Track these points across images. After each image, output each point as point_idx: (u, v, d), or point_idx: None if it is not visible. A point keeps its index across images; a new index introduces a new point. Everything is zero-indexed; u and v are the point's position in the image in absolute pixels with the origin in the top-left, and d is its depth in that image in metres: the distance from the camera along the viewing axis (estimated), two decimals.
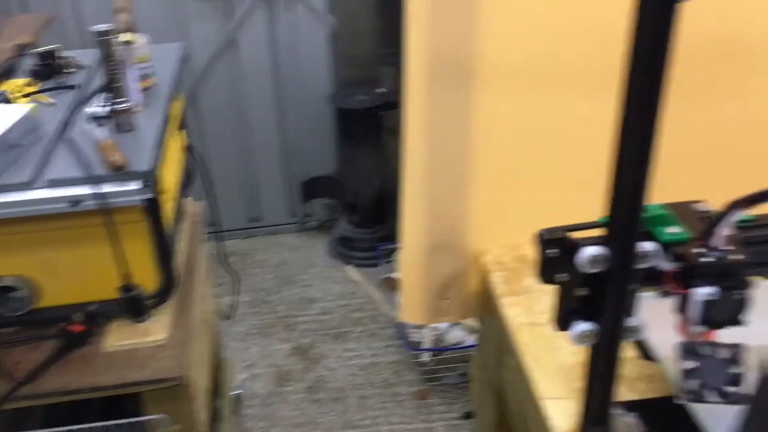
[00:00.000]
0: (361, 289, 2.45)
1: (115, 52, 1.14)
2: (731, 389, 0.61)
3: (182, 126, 1.58)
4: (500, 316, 0.95)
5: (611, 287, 0.61)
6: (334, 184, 2.71)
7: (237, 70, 2.50)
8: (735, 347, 0.63)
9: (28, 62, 1.44)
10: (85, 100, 1.26)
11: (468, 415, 1.94)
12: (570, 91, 0.95)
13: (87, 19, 2.31)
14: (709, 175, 0.93)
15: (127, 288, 1.12)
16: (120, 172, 1.05)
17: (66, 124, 1.21)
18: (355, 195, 2.60)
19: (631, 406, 0.75)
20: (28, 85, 1.35)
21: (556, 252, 0.63)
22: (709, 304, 0.60)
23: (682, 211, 0.65)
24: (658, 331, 0.70)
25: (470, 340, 1.98)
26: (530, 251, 1.02)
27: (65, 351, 1.11)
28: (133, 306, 1.14)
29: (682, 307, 0.62)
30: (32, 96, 1.32)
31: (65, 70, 1.43)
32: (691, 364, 0.63)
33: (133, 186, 1.05)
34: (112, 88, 1.17)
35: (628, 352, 0.78)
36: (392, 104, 2.44)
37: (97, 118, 1.18)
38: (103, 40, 1.12)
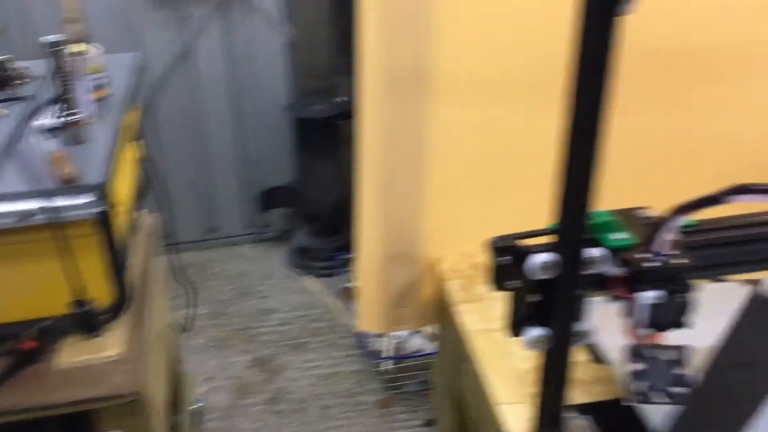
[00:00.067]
0: (319, 299, 2.45)
1: (66, 63, 1.12)
2: (677, 390, 0.63)
3: (138, 137, 1.56)
4: (456, 324, 0.96)
5: (561, 293, 0.62)
6: (292, 194, 2.70)
7: (194, 80, 2.48)
8: (680, 349, 0.65)
9: None
10: (36, 112, 1.24)
11: (430, 423, 1.95)
12: (520, 102, 0.97)
13: (39, 30, 2.27)
14: (655, 181, 0.95)
15: (79, 303, 1.10)
16: (71, 185, 1.04)
17: (15, 137, 1.19)
18: (314, 204, 2.60)
19: (583, 408, 0.76)
20: None
21: (507, 259, 0.64)
22: (654, 308, 0.62)
23: (628, 217, 0.67)
24: (607, 335, 0.72)
25: (430, 347, 1.99)
26: (485, 258, 1.03)
27: (16, 369, 1.08)
28: (87, 321, 1.12)
29: (630, 311, 0.64)
30: None
31: (17, 81, 1.40)
32: (638, 367, 0.65)
33: (85, 199, 1.04)
34: (63, 99, 1.15)
35: (579, 356, 0.80)
36: (350, 113, 2.43)
37: (48, 130, 1.16)
38: (54, 51, 1.10)
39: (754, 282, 0.92)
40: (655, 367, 0.64)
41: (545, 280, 0.62)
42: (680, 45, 0.94)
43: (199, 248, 2.71)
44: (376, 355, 2.08)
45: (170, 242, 1.71)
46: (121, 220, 1.22)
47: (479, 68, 0.95)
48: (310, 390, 2.08)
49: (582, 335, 0.65)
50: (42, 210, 1.02)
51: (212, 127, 2.57)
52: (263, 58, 2.52)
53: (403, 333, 2.01)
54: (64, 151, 1.10)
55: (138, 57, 1.57)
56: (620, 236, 0.65)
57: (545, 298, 0.64)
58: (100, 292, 1.12)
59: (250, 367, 2.17)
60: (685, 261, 0.62)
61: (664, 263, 0.61)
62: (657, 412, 0.69)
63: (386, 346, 2.04)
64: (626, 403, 0.67)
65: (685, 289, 0.62)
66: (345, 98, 2.48)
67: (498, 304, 0.92)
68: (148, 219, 1.57)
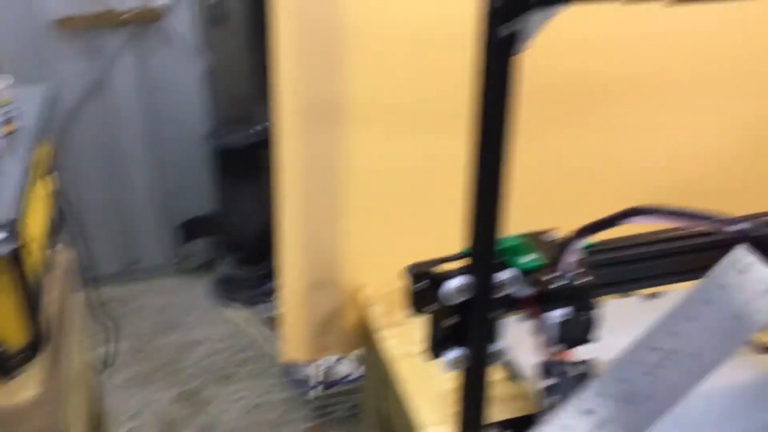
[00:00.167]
0: (245, 329, 2.42)
1: None
2: None
3: (51, 170, 1.52)
4: (380, 349, 0.98)
5: (475, 315, 0.65)
6: (214, 224, 2.67)
7: (108, 110, 2.44)
8: (588, 363, 0.69)
9: None
10: None
11: None
12: (435, 130, 1.00)
13: None
14: (562, 203, 1.00)
15: None
16: None
17: None
18: (237, 233, 2.58)
19: (503, 425, 0.79)
20: None
21: (423, 285, 0.67)
22: (563, 325, 0.65)
23: (535, 239, 0.71)
24: (521, 353, 0.75)
25: (358, 372, 2.00)
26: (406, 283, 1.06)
27: None
28: (0, 364, 1.08)
29: (540, 329, 0.67)
30: None
31: None
32: (549, 382, 0.68)
33: None
34: None
35: (496, 374, 0.83)
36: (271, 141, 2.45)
37: None
38: None
39: (654, 296, 0.98)
40: (565, 381, 0.67)
41: (461, 302, 0.65)
42: (580, 74, 0.99)
43: (120, 282, 2.64)
44: (304, 382, 2.07)
45: (88, 277, 1.67)
46: (34, 257, 1.18)
47: (394, 98, 0.98)
48: (239, 421, 2.05)
49: (497, 354, 0.68)
50: None
51: (129, 158, 2.52)
52: (180, 86, 2.49)
53: (331, 359, 2.02)
54: None
55: (49, 88, 1.53)
56: (529, 258, 0.68)
57: (461, 320, 0.67)
58: (13, 333, 1.08)
59: (175, 401, 2.12)
60: (589, 279, 0.65)
61: (570, 282, 0.65)
62: None
63: (314, 373, 2.04)
64: (541, 417, 0.70)
65: (590, 306, 0.66)
66: (265, 126, 2.48)
67: (419, 327, 0.95)
68: (64, 255, 1.52)
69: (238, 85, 2.55)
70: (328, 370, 2.03)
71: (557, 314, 0.65)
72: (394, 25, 0.94)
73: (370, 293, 1.07)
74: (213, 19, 2.45)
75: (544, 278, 0.66)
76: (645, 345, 0.53)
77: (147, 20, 2.36)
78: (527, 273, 0.68)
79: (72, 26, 2.29)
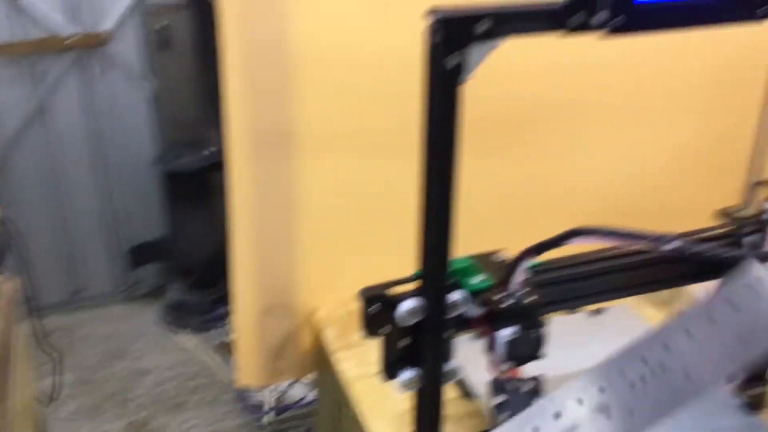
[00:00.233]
0: (197, 356, 2.39)
1: None
2: None
3: None
4: (335, 371, 0.98)
5: (428, 335, 0.67)
6: (163, 249, 2.64)
7: (52, 136, 2.40)
8: (536, 380, 0.71)
9: None
10: None
11: None
12: (385, 155, 1.03)
13: None
14: (510, 225, 1.03)
15: None
16: None
17: None
18: (187, 258, 2.55)
19: None
20: None
21: (377, 308, 0.68)
22: (511, 343, 0.68)
23: (484, 260, 0.73)
24: (473, 371, 0.77)
25: (312, 395, 1.99)
26: (359, 306, 1.07)
27: None
28: None
29: (491, 347, 0.70)
30: None
31: None
32: (500, 399, 0.70)
33: None
34: None
35: (450, 393, 0.85)
36: (220, 165, 2.44)
37: None
38: None
39: (598, 311, 1.01)
40: (515, 398, 0.69)
41: (414, 324, 0.67)
42: (520, 100, 1.03)
43: (65, 311, 2.58)
44: (257, 408, 2.06)
45: (33, 307, 1.63)
46: None
47: (344, 124, 1.00)
48: None
49: (450, 373, 0.70)
50: None
51: (74, 183, 2.48)
52: (126, 111, 2.47)
53: (284, 383, 2.01)
54: None
55: None
56: (478, 279, 0.70)
57: (415, 341, 0.68)
58: None
59: None
60: (536, 298, 0.68)
61: (518, 302, 0.67)
62: None
63: (267, 398, 2.02)
64: None
65: (538, 324, 0.68)
66: (213, 150, 2.47)
67: (373, 349, 0.96)
68: (8, 284, 1.49)
69: (185, 110, 2.54)
70: (281, 395, 2.02)
71: (506, 333, 0.68)
72: (344, 53, 0.96)
73: (324, 316, 1.08)
74: (159, 44, 2.44)
75: (493, 298, 0.68)
76: (635, 354, 0.49)
77: (91, 45, 2.34)
78: (477, 293, 0.70)
79: (14, 52, 2.25)
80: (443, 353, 0.69)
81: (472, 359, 0.72)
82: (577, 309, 0.98)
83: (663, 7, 0.58)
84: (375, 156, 1.03)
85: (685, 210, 0.94)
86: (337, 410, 1.05)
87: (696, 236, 0.79)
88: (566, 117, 1.08)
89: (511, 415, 0.68)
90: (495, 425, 0.69)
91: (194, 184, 2.46)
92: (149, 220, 2.62)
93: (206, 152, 2.47)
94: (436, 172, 0.61)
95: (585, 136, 1.11)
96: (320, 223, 1.04)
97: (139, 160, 2.52)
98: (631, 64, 1.03)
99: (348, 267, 1.06)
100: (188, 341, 2.46)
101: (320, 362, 1.09)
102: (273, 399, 2.02)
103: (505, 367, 0.70)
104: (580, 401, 0.50)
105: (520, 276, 0.67)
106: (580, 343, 0.93)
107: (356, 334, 1.03)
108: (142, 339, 2.48)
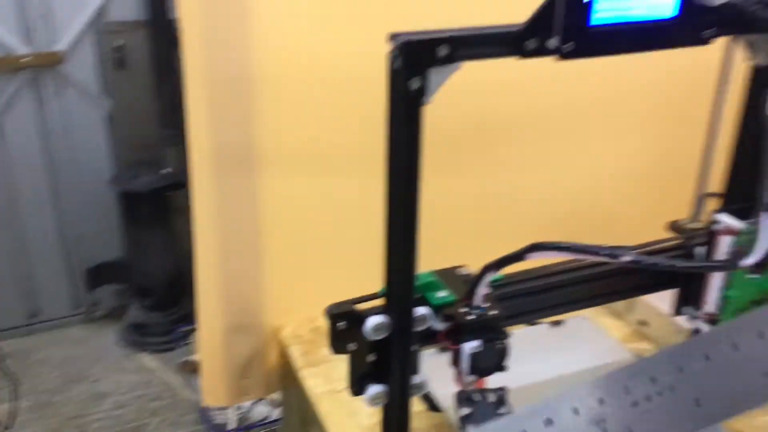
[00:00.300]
0: (158, 377, 2.36)
1: None
2: None
3: None
4: (301, 388, 0.99)
5: (395, 350, 0.68)
6: (122, 269, 2.61)
7: (6, 156, 2.36)
8: (500, 391, 0.73)
9: None
10: None
11: None
12: (349, 173, 1.04)
13: None
14: (472, 239, 1.06)
15: None
16: None
17: None
18: (146, 278, 2.52)
19: None
20: None
21: (343, 324, 0.70)
22: (475, 356, 0.69)
23: (447, 276, 0.75)
24: (440, 384, 0.79)
25: (276, 413, 1.99)
26: (324, 322, 1.08)
27: None
28: None
29: (456, 361, 0.71)
30: None
31: None
32: (466, 411, 0.72)
33: None
34: None
35: (417, 406, 0.86)
36: (179, 184, 2.44)
37: None
38: None
39: (558, 323, 1.04)
40: (480, 410, 0.71)
41: (380, 339, 0.68)
42: (480, 115, 1.06)
43: (21, 335, 2.52)
44: (221, 428, 2.04)
45: None
46: None
47: (309, 142, 1.01)
48: None
49: (417, 387, 0.72)
50: None
51: (29, 204, 2.44)
52: (82, 131, 2.44)
53: (248, 402, 2.00)
54: None
55: None
56: (442, 294, 0.72)
57: (381, 356, 0.70)
58: None
59: None
60: (498, 311, 0.70)
61: (481, 315, 0.69)
62: None
63: (231, 417, 2.01)
64: None
65: (500, 336, 0.70)
66: (172, 169, 2.46)
67: (341, 365, 0.97)
68: None
69: (142, 129, 2.52)
70: (245, 414, 2.01)
71: (470, 346, 0.69)
72: (307, 71, 0.97)
73: (290, 334, 1.08)
74: (115, 63, 2.43)
75: (458, 312, 0.70)
76: (644, 371, 0.46)
77: (46, 65, 2.31)
78: (441, 308, 0.72)
79: None
80: (410, 367, 0.70)
81: (437, 373, 0.73)
82: (537, 321, 1.01)
83: (615, 32, 0.61)
84: (339, 174, 1.04)
85: (640, 222, 0.97)
86: (303, 427, 1.06)
87: (649, 248, 0.83)
88: (524, 134, 1.11)
89: (476, 427, 0.70)
90: None
91: (152, 203, 2.44)
92: (106, 241, 2.58)
93: (164, 171, 2.46)
94: (400, 190, 0.63)
95: (543, 152, 1.14)
96: (285, 241, 1.05)
97: (96, 180, 2.49)
98: (587, 81, 1.07)
99: (313, 284, 1.07)
100: (149, 362, 2.43)
101: (286, 380, 1.09)
102: (236, 418, 2.00)
103: (470, 379, 0.71)
104: (576, 411, 0.48)
105: (482, 290, 0.69)
106: (541, 354, 0.96)
107: (322, 351, 1.04)
108: (100, 361, 2.43)
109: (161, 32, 2.37)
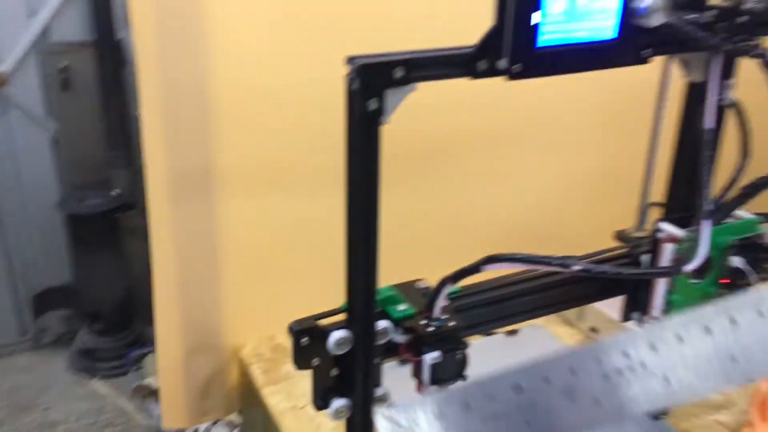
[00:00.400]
0: (111, 402, 2.31)
1: None
2: None
3: None
4: (264, 406, 0.99)
5: (357, 364, 0.70)
6: (70, 294, 2.55)
7: None
8: None
9: None
10: None
11: None
12: (306, 192, 1.05)
13: None
14: (430, 253, 1.08)
15: None
16: None
17: None
18: (96, 302, 2.47)
19: None
20: None
21: (307, 340, 0.71)
22: (436, 367, 0.71)
23: (407, 289, 0.77)
24: (402, 396, 0.80)
25: None
26: (285, 340, 1.09)
27: None
28: None
29: (417, 372, 0.73)
30: None
31: None
32: None
33: None
34: None
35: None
36: (128, 205, 2.40)
37: None
38: None
39: (513, 332, 1.07)
40: None
41: (343, 353, 0.70)
42: (433, 134, 1.09)
43: None
44: None
45: None
46: None
47: (266, 162, 1.03)
48: None
49: (380, 399, 0.73)
50: None
51: None
52: (27, 154, 2.39)
53: (205, 424, 1.97)
54: None
55: None
56: (403, 307, 0.74)
57: (345, 370, 0.71)
58: None
59: None
60: (456, 323, 0.72)
61: (440, 327, 0.71)
62: None
63: None
64: None
65: (459, 347, 0.72)
66: (121, 190, 2.43)
67: (301, 381, 0.98)
68: None
69: (88, 151, 2.48)
70: None
71: (431, 357, 0.71)
72: (263, 92, 0.99)
73: (250, 352, 1.09)
74: (61, 85, 2.39)
75: (417, 325, 0.72)
76: (617, 347, 0.46)
77: None
78: (400, 321, 0.74)
79: None
80: (372, 380, 0.72)
81: (400, 384, 0.75)
82: (494, 331, 1.03)
83: (560, 53, 0.64)
84: (297, 193, 1.06)
85: (588, 233, 1.01)
86: None
87: (598, 257, 0.86)
88: (477, 151, 1.15)
89: None
90: None
91: (100, 226, 2.40)
92: (53, 265, 2.53)
93: (112, 194, 2.42)
94: (360, 207, 0.65)
95: (495, 168, 1.17)
96: (243, 260, 1.06)
97: (42, 204, 2.43)
98: (537, 100, 1.11)
99: (272, 302, 1.08)
100: (101, 388, 2.37)
101: (247, 399, 1.09)
102: None
103: (431, 389, 0.73)
104: (546, 379, 0.48)
105: (441, 302, 0.71)
106: (498, 362, 0.98)
107: (283, 368, 1.05)
108: (50, 389, 2.37)
109: (108, 53, 2.34)
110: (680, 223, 0.83)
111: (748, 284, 0.82)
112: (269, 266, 1.08)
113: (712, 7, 0.73)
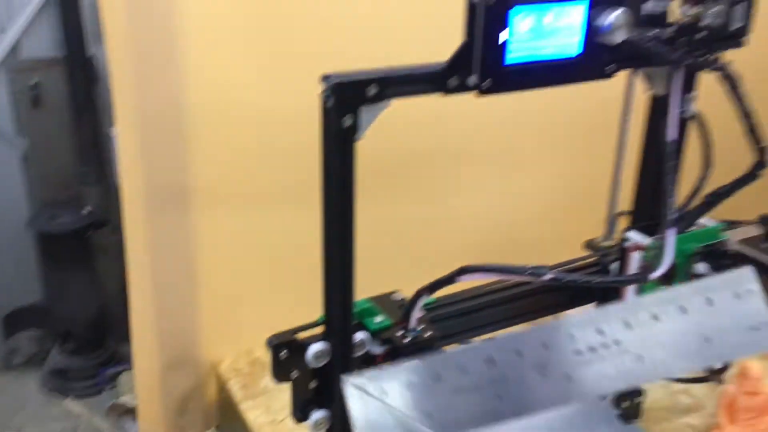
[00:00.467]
0: (84, 422, 2.29)
1: None
2: None
3: None
4: (242, 421, 1.00)
5: (336, 376, 0.71)
6: (41, 313, 2.52)
7: None
8: None
9: None
10: None
11: None
12: (282, 208, 1.06)
13: None
14: (405, 265, 1.10)
15: None
16: None
17: None
18: (67, 321, 2.44)
19: None
20: None
21: (285, 353, 0.72)
22: None
23: (383, 301, 0.78)
24: None
25: None
26: (263, 354, 1.09)
27: None
28: None
29: None
30: None
31: None
32: None
33: None
34: None
35: None
36: (100, 223, 2.39)
37: None
38: None
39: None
40: None
41: (322, 365, 0.71)
42: (407, 150, 1.11)
43: None
44: None
45: None
46: None
47: (243, 178, 1.03)
48: None
49: None
50: None
51: None
52: None
53: None
54: None
55: None
56: (379, 319, 0.75)
57: (323, 382, 0.72)
58: None
59: None
60: (432, 333, 0.74)
61: (416, 338, 0.73)
62: None
63: None
64: None
65: None
66: (93, 208, 2.41)
67: (280, 395, 0.99)
68: None
69: (59, 168, 2.46)
70: None
71: None
72: (239, 109, 1.00)
73: (228, 367, 1.09)
74: (31, 102, 2.37)
75: (394, 336, 0.73)
76: (592, 323, 0.46)
77: None
78: (377, 333, 0.75)
79: None
80: None
81: None
82: (469, 340, 1.05)
83: (528, 70, 0.66)
84: (273, 208, 1.07)
85: (559, 242, 1.03)
86: None
87: (568, 266, 0.88)
88: (449, 165, 1.17)
89: None
90: None
91: (72, 244, 2.38)
92: (24, 285, 2.49)
93: (84, 211, 2.40)
94: (336, 222, 0.66)
95: (467, 181, 1.20)
96: (220, 275, 1.06)
97: (12, 223, 2.41)
98: (507, 113, 1.13)
99: (249, 317, 1.09)
100: (75, 407, 2.34)
101: (226, 414, 1.10)
102: None
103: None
104: (519, 353, 0.48)
105: (417, 313, 0.73)
106: None
107: (262, 382, 1.05)
108: (23, 410, 2.34)
109: (79, 69, 2.33)
110: (647, 232, 0.85)
111: None
112: (246, 281, 1.09)
113: (672, 24, 0.76)
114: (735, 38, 0.77)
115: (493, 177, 1.23)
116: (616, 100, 1.02)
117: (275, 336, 0.74)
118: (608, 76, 0.72)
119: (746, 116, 0.76)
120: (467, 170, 1.19)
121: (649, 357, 0.44)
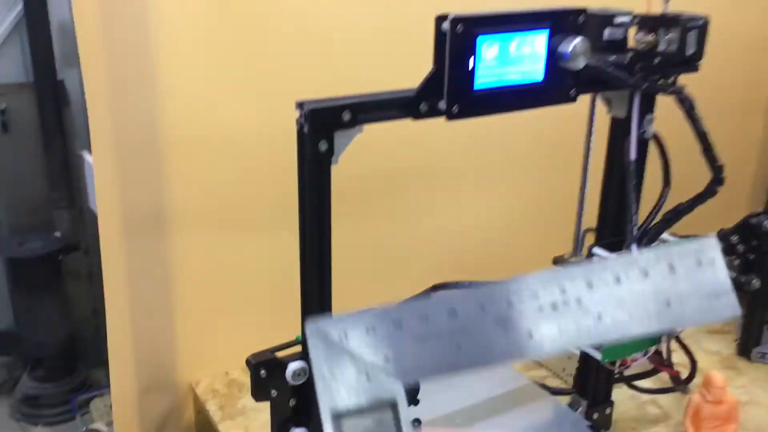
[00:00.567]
0: None
1: None
2: None
3: None
4: None
5: (314, 393, 0.72)
6: (10, 340, 2.48)
7: None
8: (417, 421, 0.78)
9: None
10: None
11: None
12: (258, 229, 1.08)
13: None
14: (382, 282, 1.12)
15: None
16: None
17: None
18: (38, 347, 2.41)
19: None
20: None
21: (265, 372, 0.73)
22: None
23: None
24: None
25: None
26: (239, 375, 1.10)
27: None
28: None
29: None
30: None
31: None
32: None
33: None
34: None
35: None
36: (71, 247, 2.37)
37: None
38: None
39: None
40: None
41: (301, 383, 0.72)
42: (379, 170, 1.13)
43: None
44: None
45: None
46: None
47: (219, 201, 1.05)
48: None
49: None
50: None
51: None
52: None
53: None
54: None
55: None
56: None
57: (302, 400, 0.74)
58: None
59: None
60: None
61: None
62: None
63: None
64: None
65: None
66: (63, 232, 2.39)
67: (259, 415, 1.00)
68: None
69: (29, 193, 2.44)
70: None
71: None
72: (213, 130, 1.01)
73: (206, 388, 1.09)
74: (0, 126, 2.36)
75: None
76: (554, 281, 0.46)
77: None
78: None
79: None
80: None
81: None
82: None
83: (495, 95, 0.69)
84: (249, 230, 1.08)
85: (528, 258, 1.06)
86: None
87: None
88: (420, 185, 1.20)
89: None
90: None
91: (42, 269, 2.35)
92: None
93: (55, 235, 2.39)
94: (313, 241, 0.68)
95: (440, 200, 1.22)
96: (197, 297, 1.07)
97: None
98: (476, 135, 1.17)
99: (226, 338, 1.09)
100: None
101: None
102: None
103: None
104: (482, 306, 0.46)
105: None
106: (448, 386, 1.02)
107: (239, 402, 1.06)
108: None
109: (49, 94, 2.32)
110: (612, 248, 0.89)
111: None
112: (222, 303, 1.10)
113: (630, 50, 0.80)
114: (690, 63, 0.81)
115: (464, 196, 1.26)
116: (582, 118, 1.05)
117: (255, 355, 0.75)
118: (572, 99, 0.76)
119: (701, 137, 0.79)
120: (439, 190, 1.22)
121: (609, 317, 0.44)
